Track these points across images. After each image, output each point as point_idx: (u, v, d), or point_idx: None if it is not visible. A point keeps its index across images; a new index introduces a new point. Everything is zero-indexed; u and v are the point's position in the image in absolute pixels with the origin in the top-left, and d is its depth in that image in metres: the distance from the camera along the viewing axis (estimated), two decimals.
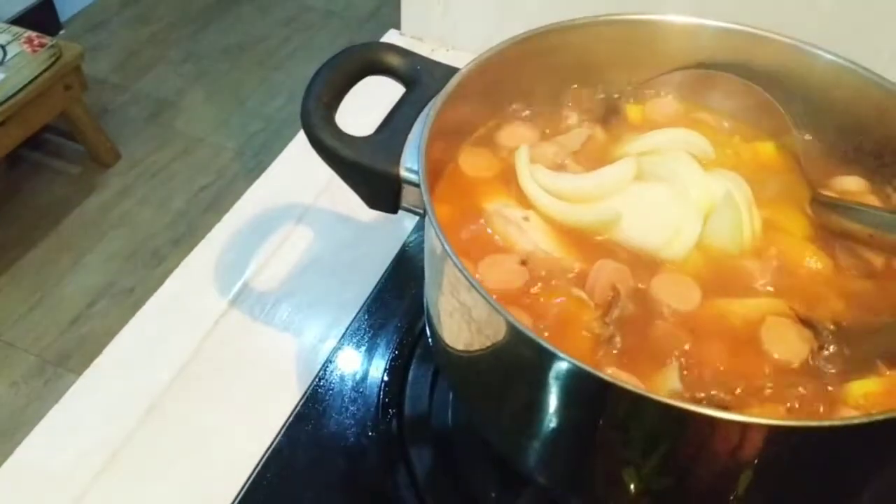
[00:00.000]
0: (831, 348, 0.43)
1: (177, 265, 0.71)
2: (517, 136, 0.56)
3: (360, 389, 0.62)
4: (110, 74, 2.39)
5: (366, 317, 0.67)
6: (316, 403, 0.61)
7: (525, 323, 0.41)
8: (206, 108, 2.32)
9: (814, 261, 0.49)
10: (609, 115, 0.58)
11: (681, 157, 0.52)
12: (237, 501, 0.55)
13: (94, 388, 0.62)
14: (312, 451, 0.58)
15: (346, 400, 0.61)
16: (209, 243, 0.73)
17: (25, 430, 0.59)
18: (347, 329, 0.66)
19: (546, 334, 0.44)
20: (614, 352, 0.43)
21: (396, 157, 0.47)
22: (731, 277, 0.48)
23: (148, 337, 0.66)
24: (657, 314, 0.45)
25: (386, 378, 0.62)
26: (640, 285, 0.47)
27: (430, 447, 0.59)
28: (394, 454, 0.58)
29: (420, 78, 0.51)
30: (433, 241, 0.44)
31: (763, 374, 0.43)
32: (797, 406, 0.41)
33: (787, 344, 0.44)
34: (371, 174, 0.47)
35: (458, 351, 0.47)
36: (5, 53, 1.80)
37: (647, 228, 0.49)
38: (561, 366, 0.38)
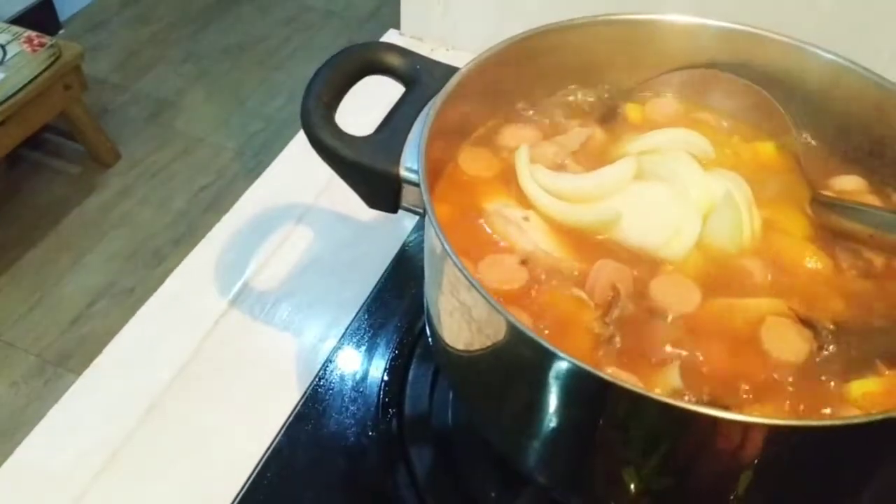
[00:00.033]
0: (831, 348, 0.43)
1: (177, 265, 0.71)
2: (517, 135, 0.56)
3: (361, 389, 0.62)
4: (110, 74, 2.39)
5: (366, 316, 0.67)
6: (316, 403, 0.61)
7: (525, 322, 0.41)
8: (206, 108, 2.32)
9: (814, 261, 0.49)
10: (609, 115, 0.58)
11: (681, 157, 0.52)
12: (237, 501, 0.55)
13: (94, 388, 0.62)
14: (312, 451, 0.58)
15: (347, 400, 0.61)
16: (209, 243, 0.73)
17: (25, 430, 0.59)
18: (347, 329, 0.66)
19: (546, 333, 0.44)
20: (615, 351, 0.43)
21: (396, 157, 0.47)
22: (730, 277, 0.48)
23: (148, 337, 0.66)
24: (657, 314, 0.45)
25: (386, 378, 0.62)
26: (640, 285, 0.47)
27: (430, 447, 0.59)
28: (394, 454, 0.58)
29: (420, 77, 0.51)
30: (433, 241, 0.44)
31: (763, 373, 0.43)
32: (797, 406, 0.41)
33: (787, 344, 0.44)
34: (371, 174, 0.47)
35: (458, 350, 0.47)
36: (5, 53, 1.80)
37: (646, 228, 0.49)
38: (561, 365, 0.38)
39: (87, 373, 0.63)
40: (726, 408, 0.40)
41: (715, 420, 0.35)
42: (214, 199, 2.04)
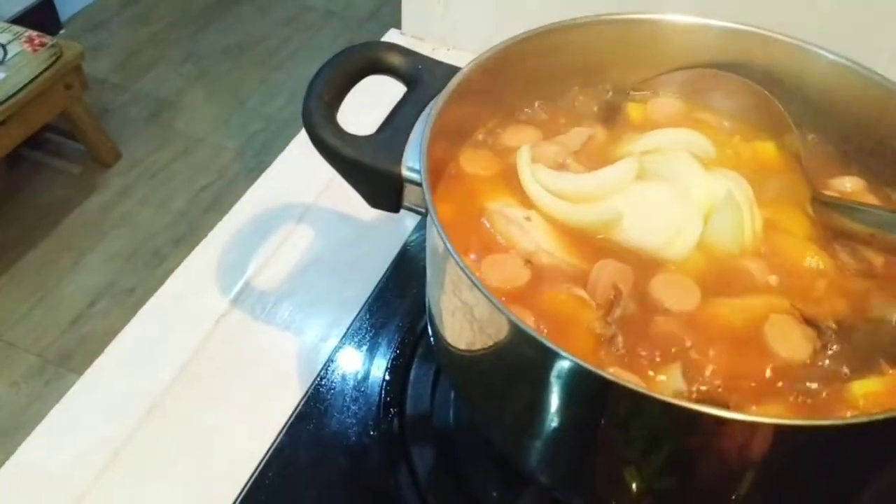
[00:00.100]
0: (835, 347, 0.43)
1: (178, 265, 0.71)
2: (519, 135, 0.56)
3: (362, 389, 0.62)
4: (110, 74, 2.39)
5: (367, 316, 0.67)
6: (317, 403, 0.61)
7: (527, 322, 0.41)
8: (206, 107, 2.32)
9: (815, 260, 0.49)
10: (610, 115, 0.58)
11: (682, 157, 0.52)
12: (238, 501, 0.55)
13: (94, 388, 0.62)
14: (314, 451, 0.58)
15: (348, 399, 0.61)
16: (210, 243, 0.73)
17: (26, 431, 0.59)
18: (349, 328, 0.66)
19: (546, 332, 0.44)
20: (617, 351, 0.43)
21: (398, 157, 0.47)
22: (732, 277, 0.48)
23: (149, 337, 0.66)
24: (659, 314, 0.45)
25: (387, 377, 0.62)
26: (641, 285, 0.47)
27: (431, 446, 0.59)
28: (395, 453, 0.58)
29: (422, 77, 0.51)
30: (435, 240, 0.44)
31: (766, 372, 0.43)
32: (800, 405, 0.41)
33: (790, 342, 0.44)
34: (373, 173, 0.47)
35: (459, 350, 0.47)
36: (6, 53, 1.80)
37: (648, 228, 0.49)
38: (564, 365, 0.38)
39: (88, 373, 0.63)
40: (728, 407, 0.40)
41: (717, 420, 0.35)
42: (215, 198, 2.04)
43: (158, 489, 0.57)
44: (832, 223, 0.50)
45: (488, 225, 0.50)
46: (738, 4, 0.62)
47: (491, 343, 0.42)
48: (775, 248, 0.49)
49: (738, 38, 0.55)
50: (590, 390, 0.39)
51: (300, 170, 0.79)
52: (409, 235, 0.73)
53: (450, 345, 0.48)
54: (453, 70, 0.50)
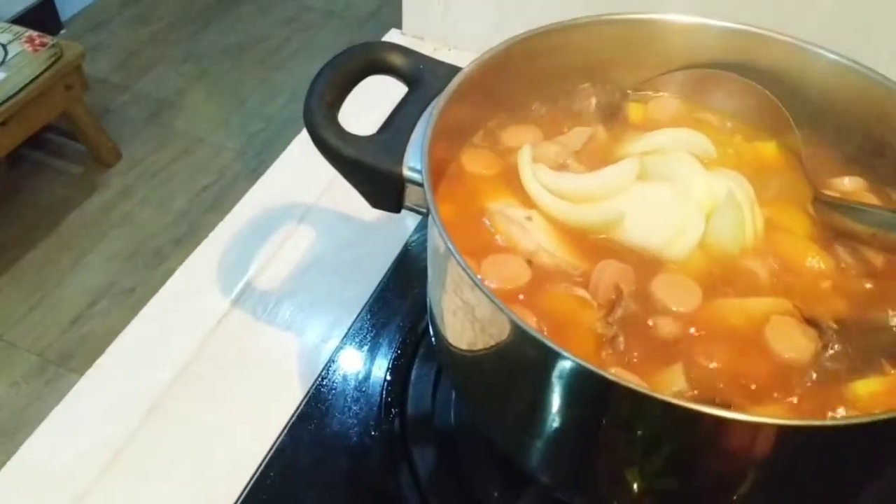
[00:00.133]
0: (836, 347, 0.43)
1: (178, 265, 0.71)
2: (519, 135, 0.56)
3: (363, 389, 0.62)
4: (111, 74, 2.39)
5: (368, 316, 0.67)
6: (318, 403, 0.61)
7: (528, 322, 0.41)
8: (206, 107, 2.32)
9: (816, 260, 0.49)
10: (611, 115, 0.58)
11: (683, 157, 0.52)
12: (240, 501, 0.55)
13: (95, 388, 0.62)
14: (315, 451, 0.58)
15: (349, 399, 0.61)
16: (211, 243, 0.73)
17: (27, 431, 0.59)
18: (350, 328, 0.66)
19: (547, 332, 0.44)
20: (618, 351, 0.43)
21: (399, 157, 0.47)
22: (733, 277, 0.48)
23: (150, 337, 0.66)
24: (660, 314, 0.45)
25: (388, 377, 0.62)
26: (642, 286, 0.47)
27: (432, 447, 0.59)
28: (396, 454, 0.58)
29: (423, 77, 0.51)
30: (436, 240, 0.44)
31: (767, 372, 0.43)
32: (801, 405, 0.41)
33: (792, 342, 0.44)
34: (374, 173, 0.47)
35: (461, 350, 0.47)
36: (6, 53, 1.80)
37: (649, 228, 0.49)
38: (565, 365, 0.38)
39: (89, 373, 0.63)
40: (730, 407, 0.40)
41: (718, 420, 0.35)
42: (216, 199, 2.04)
43: (160, 489, 0.57)
44: (833, 223, 0.50)
45: (489, 225, 0.50)
46: (738, 4, 0.62)
47: (492, 343, 0.42)
48: (776, 247, 0.49)
49: (738, 38, 0.55)
50: (591, 391, 0.39)
51: (301, 170, 0.79)
52: (411, 235, 0.73)
53: (451, 345, 0.48)
54: (454, 70, 0.50)
